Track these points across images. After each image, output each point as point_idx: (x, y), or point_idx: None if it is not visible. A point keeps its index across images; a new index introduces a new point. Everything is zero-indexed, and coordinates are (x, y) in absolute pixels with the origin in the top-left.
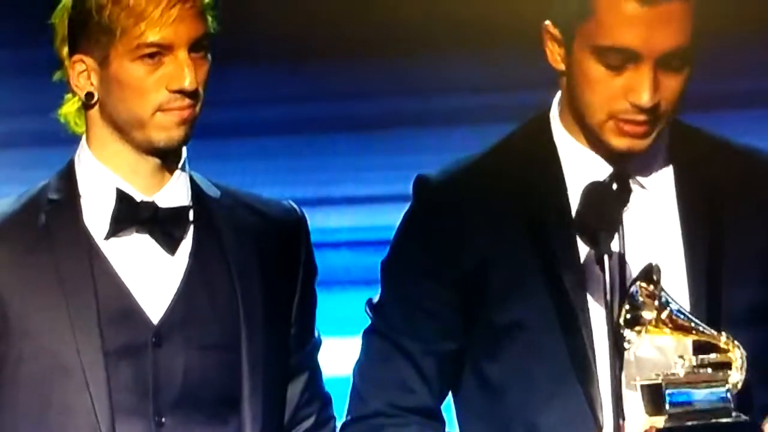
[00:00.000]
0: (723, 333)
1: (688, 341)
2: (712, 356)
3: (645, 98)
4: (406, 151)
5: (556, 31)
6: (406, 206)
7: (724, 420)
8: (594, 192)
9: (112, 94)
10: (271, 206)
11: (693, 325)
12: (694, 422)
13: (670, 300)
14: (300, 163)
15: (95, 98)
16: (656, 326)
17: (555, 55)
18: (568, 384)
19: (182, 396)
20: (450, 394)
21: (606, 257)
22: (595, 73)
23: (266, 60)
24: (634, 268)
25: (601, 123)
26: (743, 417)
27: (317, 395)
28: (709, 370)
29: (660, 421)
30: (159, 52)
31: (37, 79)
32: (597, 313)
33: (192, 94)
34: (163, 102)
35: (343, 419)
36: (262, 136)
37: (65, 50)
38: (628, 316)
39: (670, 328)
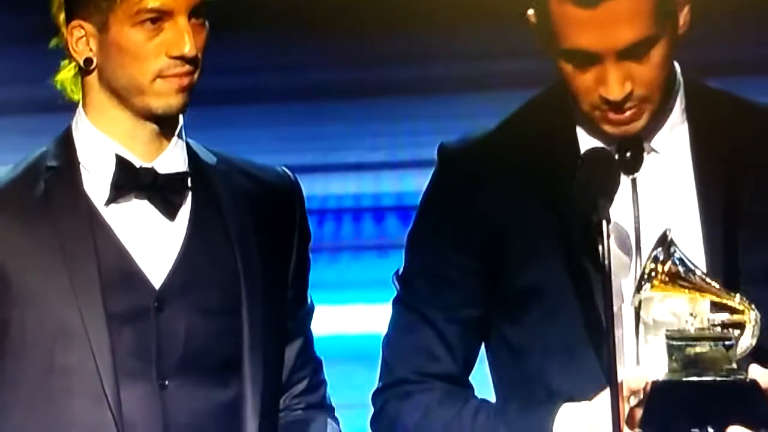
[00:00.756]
0: (738, 294)
1: (704, 305)
2: (725, 316)
3: (613, 93)
4: (409, 118)
5: (535, 23)
6: (409, 172)
7: (725, 378)
8: (592, 159)
9: (111, 59)
10: (266, 172)
11: (708, 284)
12: (694, 378)
13: (685, 259)
14: (302, 130)
15: (94, 64)
16: (670, 282)
17: (540, 44)
18: (583, 346)
19: (185, 359)
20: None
21: (604, 223)
22: (568, 71)
23: (268, 27)
24: (649, 232)
25: (588, 113)
26: (747, 377)
27: (310, 359)
28: (720, 329)
29: (660, 375)
30: (159, 17)
31: (34, 46)
32: (614, 282)
33: (191, 61)
34: (162, 68)
35: (374, 387)
36: (264, 102)
37: (62, 16)
38: (647, 275)
39: (683, 286)
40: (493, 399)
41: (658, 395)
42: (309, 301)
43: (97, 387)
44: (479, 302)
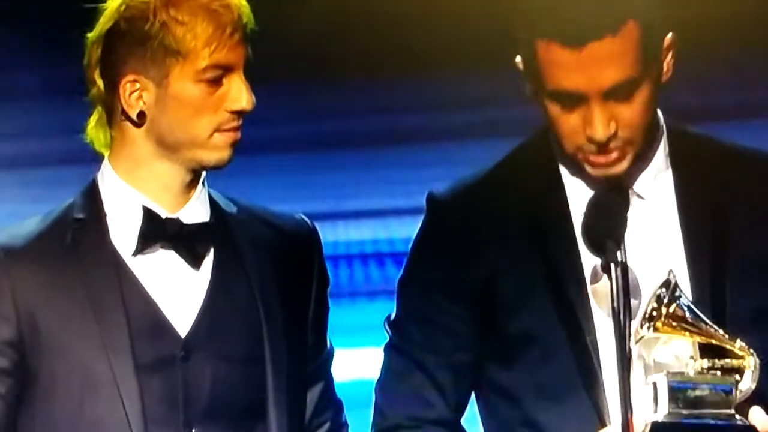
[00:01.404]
0: (738, 340)
1: (704, 348)
2: (725, 361)
3: (597, 133)
4: (415, 166)
5: (523, 70)
6: (414, 219)
7: (723, 422)
8: (599, 202)
9: (169, 113)
10: (284, 220)
11: (710, 328)
12: (692, 420)
13: (689, 303)
14: (313, 178)
15: (146, 118)
16: (673, 325)
17: (527, 90)
18: (576, 391)
19: (210, 406)
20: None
21: (612, 266)
22: (554, 112)
23: (279, 79)
24: (637, 277)
25: (572, 155)
26: (744, 421)
27: (331, 402)
28: (719, 374)
29: (659, 416)
30: (222, 73)
31: (61, 100)
32: (601, 322)
33: (243, 115)
34: (221, 122)
35: None
36: (277, 152)
37: (97, 71)
38: (648, 316)
39: (686, 329)
40: None
41: None
42: (329, 345)
43: None
44: (471, 347)
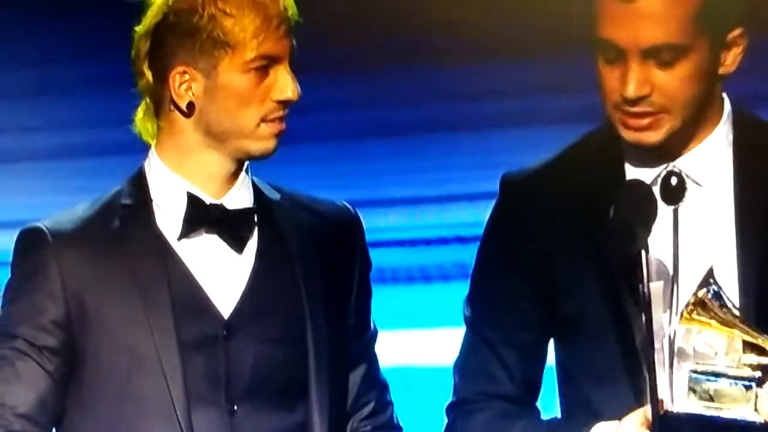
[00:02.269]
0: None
1: (737, 343)
2: (758, 358)
3: (628, 90)
4: (449, 154)
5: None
6: (450, 206)
7: (743, 418)
8: (631, 190)
9: (218, 103)
10: (327, 206)
11: (746, 324)
12: (713, 414)
13: (727, 299)
14: (351, 166)
15: (195, 108)
16: (710, 317)
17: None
18: (620, 376)
19: (252, 385)
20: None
21: (643, 252)
22: (600, 66)
23: (317, 69)
24: (687, 265)
25: (611, 116)
26: (761, 419)
27: (375, 382)
28: (750, 370)
29: (681, 406)
30: (269, 64)
31: (108, 92)
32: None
33: (289, 105)
34: (267, 112)
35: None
36: (317, 141)
37: (146, 63)
38: (690, 306)
39: (722, 322)
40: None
41: (672, 424)
42: (372, 326)
43: (170, 412)
44: (534, 326)
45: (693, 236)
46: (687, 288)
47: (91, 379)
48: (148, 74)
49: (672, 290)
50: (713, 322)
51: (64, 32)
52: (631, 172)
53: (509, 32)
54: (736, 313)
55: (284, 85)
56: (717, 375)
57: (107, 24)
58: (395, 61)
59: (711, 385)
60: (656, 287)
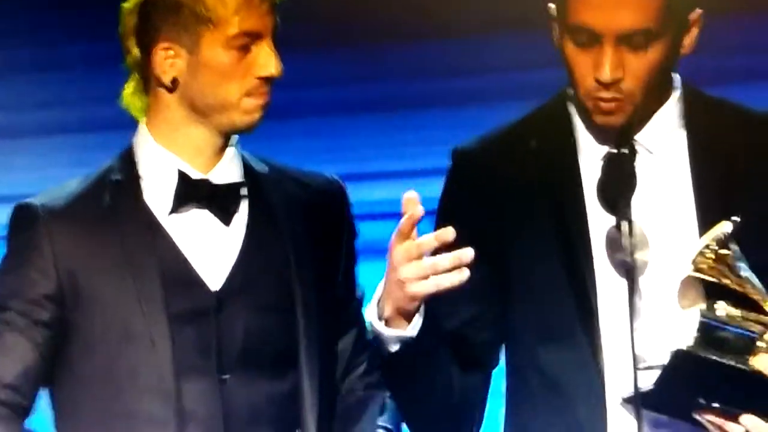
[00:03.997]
0: None
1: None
2: (755, 315)
3: (603, 74)
4: (437, 127)
5: (554, 12)
6: (436, 179)
7: (743, 366)
8: (612, 161)
9: (200, 79)
10: (313, 177)
11: (748, 282)
12: (715, 358)
13: (738, 253)
14: (339, 142)
15: (179, 84)
16: (716, 269)
17: (554, 33)
18: (575, 336)
19: (243, 355)
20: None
21: (625, 223)
22: (569, 50)
23: (303, 45)
24: (645, 231)
25: (582, 98)
26: (760, 371)
27: (366, 345)
28: (755, 324)
29: (684, 345)
30: (251, 41)
31: (102, 69)
32: (602, 274)
33: (271, 81)
34: (250, 87)
35: None
36: (305, 117)
37: (133, 39)
38: (698, 255)
39: (727, 275)
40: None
41: (677, 362)
42: (361, 290)
43: (161, 383)
44: (484, 296)
45: (649, 204)
46: (643, 252)
47: (82, 353)
48: (135, 50)
49: (629, 256)
50: (731, 278)
51: (59, 10)
52: (583, 141)
53: (495, 5)
54: (748, 272)
55: (266, 61)
56: (726, 324)
57: (103, 2)
58: (380, 37)
59: (719, 333)
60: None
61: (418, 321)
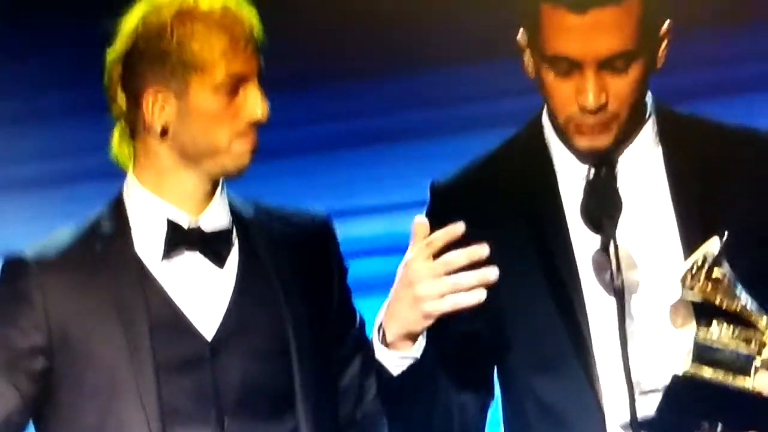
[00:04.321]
0: (766, 317)
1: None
2: (749, 332)
3: (589, 101)
4: (422, 160)
5: (524, 42)
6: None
7: (742, 385)
8: (594, 182)
9: (190, 124)
10: (300, 215)
11: (740, 300)
12: (715, 379)
13: (729, 271)
14: (323, 179)
15: (169, 129)
16: (707, 288)
17: (527, 63)
18: (569, 363)
19: (241, 399)
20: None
21: (612, 243)
22: (549, 79)
23: (287, 85)
24: (631, 251)
25: (564, 125)
26: (756, 390)
27: (373, 369)
28: (748, 345)
29: (680, 370)
30: (238, 83)
31: (84, 119)
32: (591, 297)
33: (259, 124)
34: (240, 131)
35: None
36: (289, 156)
37: (119, 87)
38: (689, 275)
39: (719, 294)
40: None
41: (677, 387)
42: (359, 318)
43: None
44: (473, 319)
45: (631, 222)
46: (629, 273)
47: (72, 403)
48: (122, 98)
49: (614, 274)
50: (724, 298)
51: (41, 61)
52: (561, 165)
53: (472, 36)
54: (742, 292)
55: (253, 105)
56: (721, 345)
57: (84, 51)
58: (360, 73)
59: (715, 354)
60: (598, 272)
61: (421, 342)
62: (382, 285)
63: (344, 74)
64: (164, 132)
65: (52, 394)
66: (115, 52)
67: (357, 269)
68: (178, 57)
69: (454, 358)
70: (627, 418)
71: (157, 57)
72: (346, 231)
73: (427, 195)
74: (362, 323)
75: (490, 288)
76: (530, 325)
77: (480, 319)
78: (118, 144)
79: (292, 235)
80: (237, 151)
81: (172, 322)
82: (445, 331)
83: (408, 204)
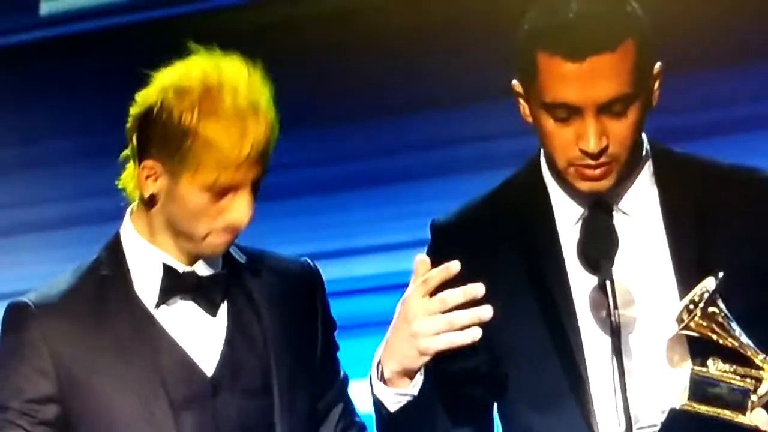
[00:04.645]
0: (763, 354)
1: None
2: (746, 369)
3: (590, 145)
4: (420, 200)
5: (520, 89)
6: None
7: (738, 420)
8: (591, 223)
9: (173, 206)
10: (289, 265)
11: (736, 336)
12: (712, 413)
13: (723, 308)
14: (323, 219)
15: (156, 201)
16: (708, 326)
17: (524, 109)
18: (566, 401)
19: None
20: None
21: (608, 283)
22: (548, 126)
23: (286, 128)
24: (629, 290)
25: (563, 170)
26: (753, 426)
27: (353, 423)
28: (745, 379)
29: (677, 404)
30: (230, 189)
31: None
32: (588, 335)
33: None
34: (218, 229)
35: None
36: (289, 197)
37: (135, 136)
38: (684, 313)
39: (715, 331)
40: None
41: (674, 422)
42: (342, 373)
43: None
44: (472, 356)
45: (626, 263)
46: (626, 311)
47: None
48: (134, 149)
49: (612, 315)
50: (716, 334)
51: (45, 109)
52: (559, 206)
53: (469, 78)
54: (737, 328)
55: (238, 211)
56: (717, 380)
57: (87, 99)
58: (353, 117)
59: (711, 389)
60: (596, 313)
61: (419, 379)
62: (380, 323)
63: (342, 117)
64: (152, 201)
65: None
66: (138, 105)
67: (355, 307)
68: (179, 146)
69: (453, 395)
70: None
71: (165, 135)
72: (344, 270)
73: (425, 234)
74: (345, 379)
75: (489, 325)
76: (528, 362)
77: (478, 357)
78: (128, 182)
79: (282, 285)
80: (212, 243)
81: (178, 361)
82: (444, 368)
83: (405, 244)
